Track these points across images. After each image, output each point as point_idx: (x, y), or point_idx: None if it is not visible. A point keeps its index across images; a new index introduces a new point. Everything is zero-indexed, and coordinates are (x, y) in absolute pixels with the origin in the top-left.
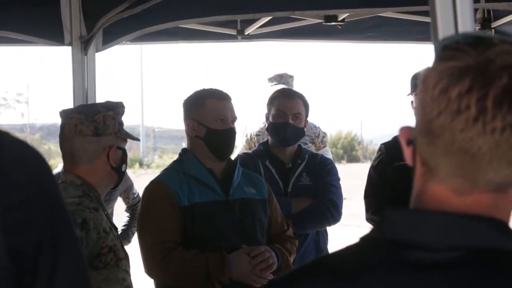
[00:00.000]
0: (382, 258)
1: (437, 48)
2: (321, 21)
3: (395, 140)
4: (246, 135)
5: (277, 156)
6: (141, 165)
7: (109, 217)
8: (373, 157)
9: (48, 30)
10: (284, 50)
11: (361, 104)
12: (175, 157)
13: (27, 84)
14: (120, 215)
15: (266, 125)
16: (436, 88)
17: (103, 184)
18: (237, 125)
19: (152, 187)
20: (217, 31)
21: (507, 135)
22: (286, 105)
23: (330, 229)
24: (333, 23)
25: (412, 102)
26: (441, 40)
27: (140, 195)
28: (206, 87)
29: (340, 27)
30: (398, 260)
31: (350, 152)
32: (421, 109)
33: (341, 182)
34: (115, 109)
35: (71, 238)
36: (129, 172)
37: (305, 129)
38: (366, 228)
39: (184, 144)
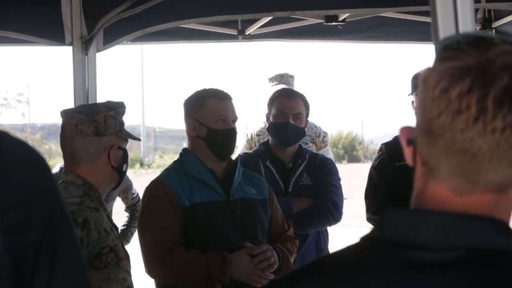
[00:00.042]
0: (382, 258)
1: (437, 48)
2: (321, 21)
3: (396, 140)
4: (247, 135)
5: (277, 156)
6: (141, 165)
7: (110, 217)
8: (374, 157)
9: (48, 30)
10: (284, 50)
11: (361, 104)
12: (176, 157)
13: (28, 84)
14: (119, 215)
15: (267, 125)
16: (437, 88)
17: (104, 184)
18: (238, 125)
19: (153, 187)
20: (218, 31)
21: (508, 135)
22: (287, 105)
23: (331, 229)
24: (333, 23)
25: (412, 102)
26: (442, 40)
27: (141, 195)
28: (206, 87)
29: (340, 27)
30: (398, 260)
31: (351, 152)
32: (422, 109)
33: (341, 182)
34: (116, 109)
35: (71, 238)
36: (130, 172)
37: (305, 129)
38: (366, 228)
39: (185, 144)
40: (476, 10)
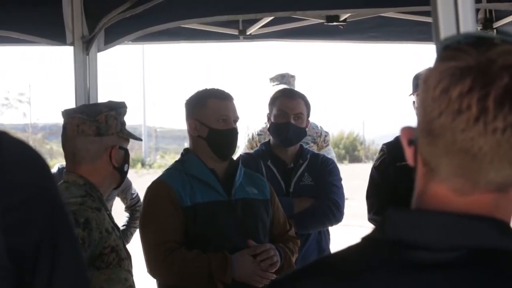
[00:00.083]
0: (383, 258)
1: (438, 48)
2: (322, 21)
3: (397, 140)
4: (248, 135)
5: (279, 156)
6: (143, 165)
7: (111, 217)
8: (375, 157)
9: (50, 30)
10: (286, 50)
11: (363, 104)
12: (177, 157)
13: (29, 84)
14: (119, 215)
15: (268, 125)
16: (437, 88)
17: (105, 184)
18: (239, 125)
19: (154, 187)
20: (219, 31)
21: (508, 135)
22: (288, 105)
23: (332, 229)
24: (334, 23)
25: (414, 102)
26: (443, 40)
27: (142, 195)
28: (208, 87)
29: (341, 27)
30: (399, 260)
31: (352, 152)
32: (422, 109)
33: (343, 182)
34: (117, 109)
35: (71, 238)
36: (131, 172)
37: (306, 129)
38: (368, 228)
39: (186, 144)
40: (477, 10)
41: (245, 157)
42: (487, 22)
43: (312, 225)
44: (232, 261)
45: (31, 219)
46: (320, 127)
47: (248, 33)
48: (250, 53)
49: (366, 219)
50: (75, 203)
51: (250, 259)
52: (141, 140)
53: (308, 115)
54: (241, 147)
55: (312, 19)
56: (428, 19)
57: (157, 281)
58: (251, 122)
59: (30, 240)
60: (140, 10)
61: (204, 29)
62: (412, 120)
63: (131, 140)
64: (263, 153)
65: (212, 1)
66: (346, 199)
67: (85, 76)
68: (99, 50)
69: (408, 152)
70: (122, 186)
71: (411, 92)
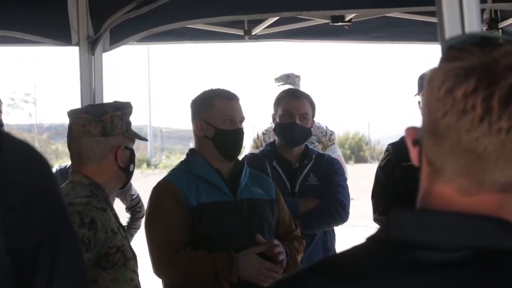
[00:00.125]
0: (388, 258)
1: (443, 49)
2: (328, 21)
3: (403, 140)
4: (253, 135)
5: (284, 157)
6: (148, 165)
7: (117, 217)
8: (381, 157)
9: (55, 31)
10: (291, 50)
11: (368, 105)
12: (183, 157)
13: (34, 84)
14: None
15: (273, 125)
16: (442, 88)
17: (111, 184)
18: (245, 125)
19: (160, 187)
20: (224, 31)
21: None
22: (293, 106)
23: (338, 229)
24: (340, 23)
25: (419, 102)
26: (447, 40)
27: (147, 195)
28: (214, 87)
29: (347, 27)
30: (405, 260)
31: (358, 153)
32: (427, 109)
33: (348, 182)
34: (122, 109)
35: (71, 238)
36: (137, 172)
37: (311, 129)
38: (373, 228)
39: (192, 144)
40: (483, 11)
41: (250, 157)
42: (492, 22)
43: (317, 225)
44: (237, 260)
45: (31, 219)
46: (326, 126)
47: (253, 33)
48: (256, 53)
49: (371, 219)
50: (81, 203)
51: (256, 258)
52: (146, 140)
53: (313, 115)
54: (247, 148)
55: (317, 19)
56: (434, 19)
57: (162, 281)
58: (257, 122)
59: (30, 240)
60: (145, 10)
61: (209, 29)
62: (417, 121)
63: (137, 140)
64: (268, 154)
65: (217, 1)
66: (352, 199)
67: (90, 77)
68: (104, 51)
69: (413, 152)
70: None
71: (416, 92)
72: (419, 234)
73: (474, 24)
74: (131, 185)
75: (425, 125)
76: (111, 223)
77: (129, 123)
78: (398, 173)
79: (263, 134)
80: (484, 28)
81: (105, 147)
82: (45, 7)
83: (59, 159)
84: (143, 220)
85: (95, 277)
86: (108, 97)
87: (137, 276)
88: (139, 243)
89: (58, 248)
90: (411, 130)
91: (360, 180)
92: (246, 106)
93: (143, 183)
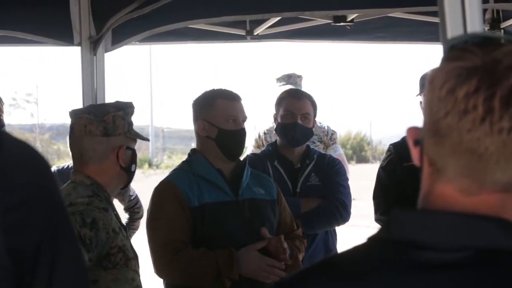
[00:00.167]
0: (389, 258)
1: (445, 49)
2: (330, 21)
3: (404, 140)
4: (255, 135)
5: (285, 157)
6: (150, 165)
7: (119, 217)
8: (382, 157)
9: (57, 31)
10: (293, 50)
11: (370, 105)
12: (184, 157)
13: (36, 84)
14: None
15: (275, 126)
16: (443, 88)
17: (112, 184)
18: (246, 125)
19: (162, 187)
20: (226, 31)
21: None
22: (295, 106)
23: (339, 230)
24: (342, 24)
25: (421, 102)
26: (449, 40)
27: (149, 195)
28: (215, 88)
29: (349, 28)
30: (406, 260)
31: (359, 153)
32: (428, 109)
33: (350, 182)
34: (124, 109)
35: (71, 238)
36: (138, 172)
37: (313, 129)
38: (375, 228)
39: (193, 145)
40: (485, 11)
41: (252, 157)
42: (494, 22)
43: (319, 225)
44: (238, 257)
45: (32, 218)
46: (327, 126)
47: (255, 33)
48: (258, 53)
49: (373, 219)
50: (82, 203)
51: (256, 254)
52: (148, 140)
53: (314, 115)
54: (249, 148)
55: (319, 20)
56: (435, 19)
57: (164, 281)
58: (259, 122)
59: (31, 240)
60: (147, 10)
61: (211, 29)
62: (419, 120)
63: (138, 141)
64: (269, 154)
65: (219, 1)
66: (353, 199)
67: (92, 77)
68: (106, 51)
69: (414, 152)
70: None
71: (418, 92)
72: (420, 234)
73: (476, 24)
74: (129, 186)
75: (426, 125)
76: (112, 223)
77: (131, 123)
78: (399, 173)
79: (265, 134)
80: (486, 28)
81: (107, 147)
82: (47, 7)
83: (61, 159)
84: (141, 221)
85: (97, 277)
86: (110, 97)
87: (139, 276)
88: (140, 243)
89: (58, 248)
90: (412, 130)
91: (362, 180)
92: (248, 106)
93: (145, 183)
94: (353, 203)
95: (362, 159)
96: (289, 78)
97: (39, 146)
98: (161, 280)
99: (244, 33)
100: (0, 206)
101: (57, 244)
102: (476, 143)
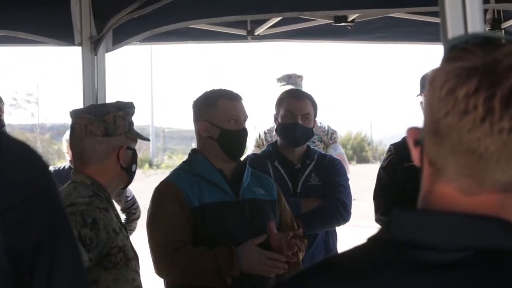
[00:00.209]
0: (389, 258)
1: (446, 49)
2: (330, 21)
3: (405, 141)
4: (255, 135)
5: (286, 157)
6: (150, 165)
7: (119, 217)
8: (383, 157)
9: (58, 30)
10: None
11: (370, 105)
12: (185, 157)
13: (37, 84)
14: None
15: (275, 126)
16: (443, 88)
17: (113, 184)
18: (247, 125)
19: (162, 188)
20: (227, 31)
21: None
22: (295, 106)
23: (340, 230)
24: (342, 24)
25: (421, 102)
26: (450, 40)
27: (149, 195)
28: (216, 88)
29: (349, 28)
30: (406, 260)
31: (360, 153)
32: (429, 110)
33: (350, 183)
34: (125, 109)
35: (70, 239)
36: (139, 172)
37: (313, 129)
38: (375, 229)
39: (194, 145)
40: (485, 11)
41: (252, 158)
42: (495, 22)
43: (319, 225)
44: (238, 254)
45: (31, 219)
46: (328, 125)
47: (256, 33)
48: (258, 53)
49: (373, 219)
50: (83, 203)
51: (256, 249)
52: (148, 140)
53: (315, 116)
54: (249, 148)
55: (320, 20)
56: (436, 20)
57: (164, 281)
58: (259, 122)
59: (30, 240)
60: (148, 10)
61: (212, 29)
62: (420, 121)
63: (139, 141)
64: (270, 154)
65: (220, 1)
66: (354, 199)
67: (93, 77)
68: (107, 51)
69: (414, 153)
70: None
71: (418, 92)
72: (420, 234)
73: (476, 25)
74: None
75: (426, 125)
76: (113, 223)
77: (131, 123)
78: (400, 173)
79: (265, 133)
80: (487, 29)
81: (108, 147)
82: (48, 7)
83: (61, 159)
84: (138, 222)
85: (97, 277)
86: (110, 97)
87: (139, 276)
88: (140, 243)
89: (57, 248)
90: (412, 130)
91: (362, 181)
92: (248, 106)
93: (145, 183)
94: (353, 203)
95: (362, 160)
96: (289, 78)
97: (39, 146)
98: (161, 280)
99: (245, 33)
100: (0, 206)
101: (56, 245)
102: (476, 143)
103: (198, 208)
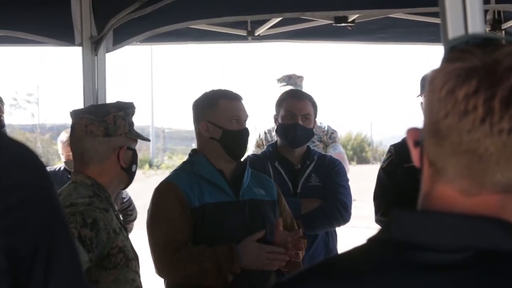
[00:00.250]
0: (389, 259)
1: (446, 49)
2: (331, 22)
3: (405, 141)
4: (256, 135)
5: (286, 157)
6: (150, 166)
7: (119, 217)
8: (383, 158)
9: (58, 31)
10: (294, 50)
11: (371, 105)
12: (185, 158)
13: (37, 85)
14: None
15: (275, 126)
16: (443, 89)
17: (113, 185)
18: (247, 125)
19: (162, 188)
20: (228, 32)
21: None
22: (296, 106)
23: (340, 231)
24: (343, 24)
25: (421, 103)
26: (450, 41)
27: (149, 196)
28: (215, 88)
29: (350, 28)
30: (406, 261)
31: (360, 154)
32: (428, 110)
33: (351, 183)
34: (125, 110)
35: (68, 240)
36: (139, 173)
37: (314, 130)
38: (375, 229)
39: (194, 145)
40: (486, 11)
41: (252, 158)
42: (495, 23)
43: (319, 226)
44: (237, 250)
45: (30, 219)
46: (327, 125)
47: (256, 34)
48: (259, 54)
49: (373, 220)
50: (83, 203)
51: (255, 245)
52: (149, 140)
53: (315, 116)
54: (250, 148)
55: (320, 20)
56: (437, 20)
57: (164, 282)
58: (259, 123)
59: (29, 240)
60: (148, 10)
61: (212, 29)
62: (420, 122)
63: (139, 141)
64: (270, 155)
65: (220, 2)
66: (354, 200)
67: (93, 77)
68: (107, 51)
69: (414, 153)
70: None
71: (419, 93)
72: (420, 235)
73: (477, 25)
74: None
75: (426, 126)
76: (113, 224)
77: (131, 124)
78: (400, 174)
79: (265, 133)
80: (487, 29)
81: (108, 147)
82: (48, 7)
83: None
84: (137, 222)
85: (97, 278)
86: (110, 98)
87: (139, 276)
88: (140, 243)
89: (55, 249)
90: (412, 131)
91: (362, 181)
92: (249, 106)
93: (145, 183)
94: (353, 204)
95: (362, 160)
96: (289, 79)
97: (39, 147)
98: (161, 281)
99: (245, 34)
100: None
101: (54, 246)
102: (476, 144)
103: (198, 208)
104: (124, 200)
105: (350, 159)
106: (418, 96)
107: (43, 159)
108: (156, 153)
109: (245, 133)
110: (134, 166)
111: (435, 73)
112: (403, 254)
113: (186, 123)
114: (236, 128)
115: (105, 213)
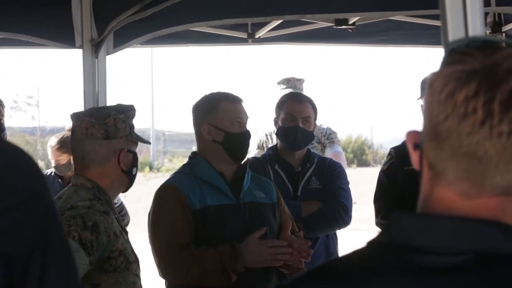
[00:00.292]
0: (389, 262)
1: (446, 52)
2: (331, 24)
3: (405, 144)
4: (257, 138)
5: (286, 160)
6: (151, 168)
7: (119, 220)
8: (383, 161)
9: (59, 33)
10: (294, 53)
11: (371, 108)
12: (185, 160)
13: (37, 87)
14: None
15: (275, 129)
16: (443, 92)
17: (113, 188)
18: (248, 127)
19: (163, 191)
20: (228, 34)
21: None
22: (296, 109)
23: (340, 233)
24: (343, 27)
25: (422, 106)
26: (450, 43)
27: (149, 198)
28: (215, 91)
29: (350, 31)
30: (405, 264)
31: (360, 157)
32: (428, 113)
33: (351, 186)
34: (126, 112)
35: (63, 243)
36: (139, 175)
37: (314, 132)
38: (375, 232)
39: (194, 148)
40: (486, 14)
41: (252, 161)
42: (496, 25)
43: (320, 229)
44: (240, 249)
45: (26, 223)
46: (327, 127)
47: (257, 36)
48: (259, 56)
49: (374, 223)
50: (83, 206)
51: (257, 242)
52: (149, 143)
53: (315, 119)
54: (252, 151)
55: (321, 23)
56: (437, 23)
57: (166, 284)
58: (260, 126)
59: (24, 244)
60: (149, 13)
61: (213, 32)
62: (420, 124)
63: (139, 144)
64: (270, 157)
65: (221, 4)
66: (354, 203)
67: (94, 79)
68: (108, 53)
69: (414, 156)
70: None
71: (419, 96)
72: (420, 238)
73: (477, 28)
74: None
75: (426, 129)
76: (113, 227)
77: (132, 126)
78: (400, 177)
79: (266, 136)
80: (488, 32)
81: (108, 150)
82: (49, 9)
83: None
84: (138, 225)
85: (98, 281)
86: (111, 100)
87: (139, 279)
88: (141, 246)
89: (50, 253)
90: (412, 134)
91: (363, 184)
92: (249, 109)
93: (146, 186)
94: (354, 207)
95: (363, 163)
96: (288, 82)
97: (40, 149)
98: (162, 284)
99: (245, 36)
100: None
101: (49, 249)
102: (476, 146)
103: (199, 211)
104: (117, 205)
105: (351, 162)
106: (418, 99)
107: (43, 162)
108: (157, 155)
109: (247, 136)
110: (134, 168)
111: (435, 76)
112: (403, 257)
113: (186, 125)
114: (238, 130)
115: (106, 216)
